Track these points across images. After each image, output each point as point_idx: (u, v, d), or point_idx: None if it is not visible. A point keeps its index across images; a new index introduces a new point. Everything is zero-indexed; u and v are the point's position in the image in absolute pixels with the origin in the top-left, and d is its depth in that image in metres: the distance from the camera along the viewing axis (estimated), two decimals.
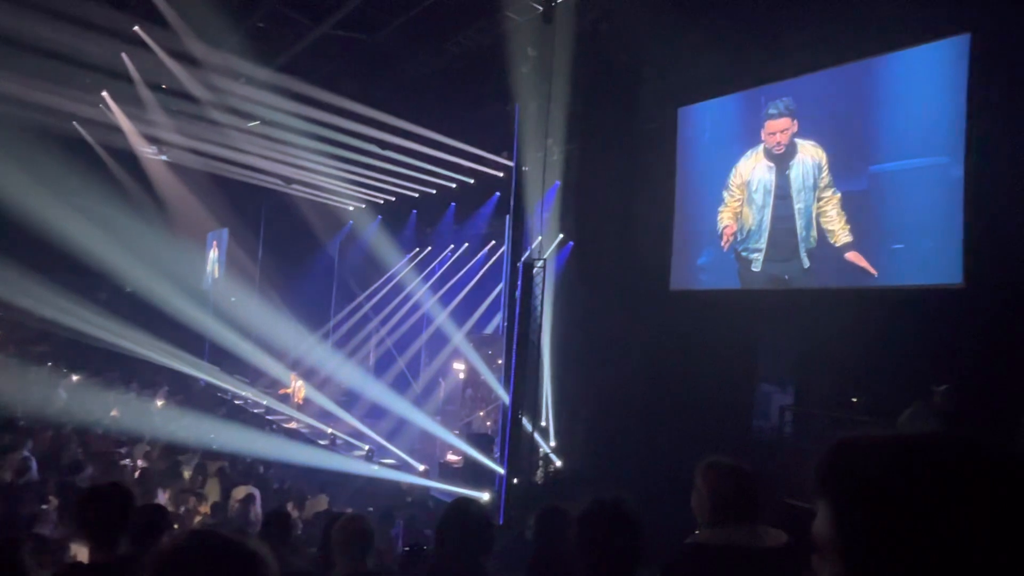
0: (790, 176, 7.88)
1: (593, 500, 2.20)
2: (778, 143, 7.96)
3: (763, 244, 8.14)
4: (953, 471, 0.74)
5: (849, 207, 7.30)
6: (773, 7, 7.57)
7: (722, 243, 8.63)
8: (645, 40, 8.53)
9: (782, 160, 7.98)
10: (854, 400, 7.07)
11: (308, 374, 16.83)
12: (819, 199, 7.57)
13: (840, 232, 7.33)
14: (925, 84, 6.74)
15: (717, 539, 2.18)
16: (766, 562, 2.11)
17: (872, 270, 7.03)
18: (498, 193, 13.56)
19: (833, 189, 7.45)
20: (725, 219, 8.64)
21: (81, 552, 3.53)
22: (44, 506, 5.54)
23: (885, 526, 0.74)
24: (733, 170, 8.50)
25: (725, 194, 8.61)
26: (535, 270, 8.78)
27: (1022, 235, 5.74)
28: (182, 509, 7.22)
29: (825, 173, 7.53)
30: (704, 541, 2.22)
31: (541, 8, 8.21)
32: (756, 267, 8.18)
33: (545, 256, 9.32)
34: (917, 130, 6.78)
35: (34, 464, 7.04)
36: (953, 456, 0.76)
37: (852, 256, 7.20)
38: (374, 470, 10.96)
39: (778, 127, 7.96)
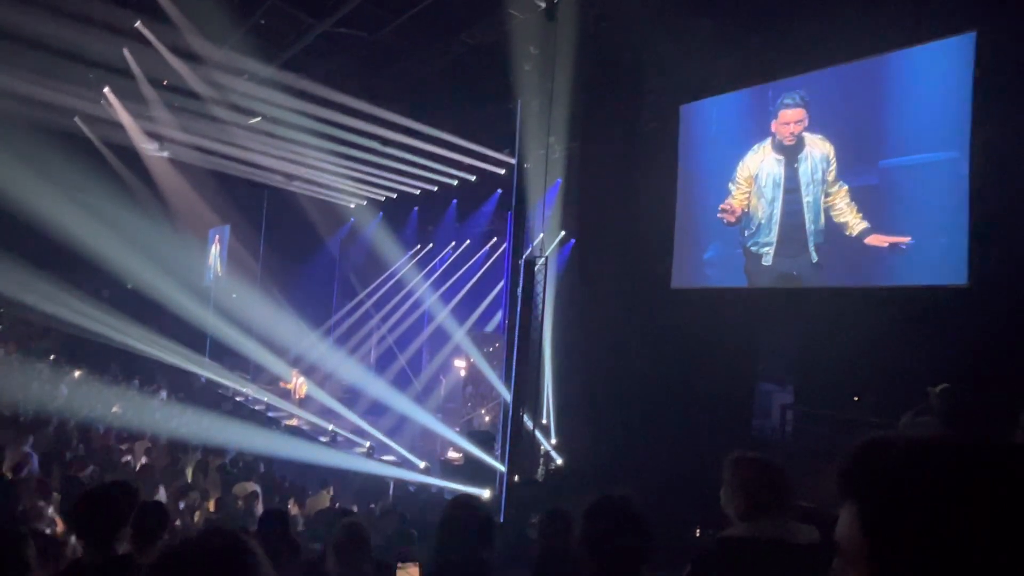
0: (799, 169, 7.87)
1: (600, 497, 2.18)
2: (791, 133, 7.94)
3: (773, 238, 8.13)
4: (984, 475, 0.73)
5: (859, 201, 7.29)
6: (777, 5, 7.55)
7: (725, 222, 8.66)
8: (648, 38, 8.51)
9: (791, 153, 7.97)
10: (855, 399, 7.06)
11: (309, 371, 16.85)
12: (827, 193, 7.56)
13: (854, 222, 7.29)
14: (933, 81, 6.72)
15: (750, 532, 2.16)
16: (800, 558, 2.09)
17: (902, 240, 6.89)
18: (500, 190, 13.56)
19: (840, 183, 7.43)
20: (736, 204, 8.67)
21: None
22: (42, 502, 5.54)
23: (914, 530, 0.73)
24: (740, 163, 8.48)
25: (732, 186, 8.60)
26: (536, 268, 8.77)
27: None
28: (181, 505, 7.23)
29: (832, 167, 7.53)
30: (737, 535, 2.19)
31: (544, 5, 8.19)
32: (767, 261, 8.17)
33: (546, 254, 9.32)
34: (927, 126, 6.77)
35: (35, 460, 7.04)
36: (984, 459, 0.75)
37: (873, 240, 7.14)
38: (374, 467, 10.97)
39: (793, 117, 7.94)
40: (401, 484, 10.32)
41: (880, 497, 0.77)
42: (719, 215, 8.65)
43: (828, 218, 7.58)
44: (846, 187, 7.39)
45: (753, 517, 2.17)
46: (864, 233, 7.23)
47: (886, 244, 7.04)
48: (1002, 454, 0.75)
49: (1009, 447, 0.75)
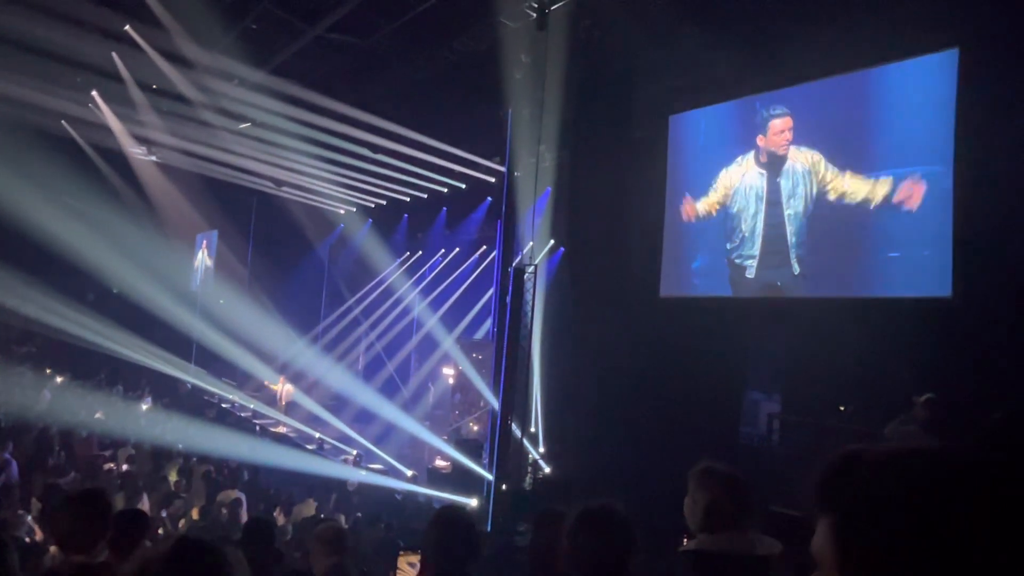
0: (780, 183, 7.94)
1: (583, 507, 2.18)
2: (786, 141, 7.97)
3: (756, 251, 8.19)
4: (956, 487, 0.73)
5: (845, 213, 7.35)
6: (766, 18, 7.64)
7: (684, 217, 8.95)
8: (638, 48, 8.58)
9: (773, 167, 8.04)
10: (841, 408, 7.11)
11: (296, 378, 16.72)
12: (830, 189, 7.46)
13: (874, 190, 7.02)
14: (917, 96, 6.81)
15: (713, 546, 2.16)
16: (762, 571, 2.10)
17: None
18: (490, 198, 13.57)
19: (837, 171, 7.36)
20: (700, 207, 8.80)
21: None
22: (21, 511, 5.45)
23: (889, 542, 0.73)
24: (723, 171, 8.57)
25: (710, 189, 8.72)
26: (526, 276, 8.78)
27: (1009, 247, 5.80)
28: (164, 513, 7.13)
29: (821, 167, 7.56)
30: (700, 547, 2.20)
31: (535, 14, 8.23)
32: (750, 273, 8.23)
33: (536, 262, 9.33)
34: (911, 140, 6.85)
35: (14, 467, 6.94)
36: (956, 471, 0.75)
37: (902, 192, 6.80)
38: (362, 475, 10.89)
39: (784, 126, 8.01)
40: (380, 490, 10.22)
41: (855, 510, 0.77)
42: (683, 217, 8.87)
43: (811, 229, 7.64)
44: (848, 171, 7.28)
45: (717, 530, 2.17)
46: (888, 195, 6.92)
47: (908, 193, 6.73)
48: (978, 466, 0.75)
49: (985, 458, 0.75)
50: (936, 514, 0.71)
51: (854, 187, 7.24)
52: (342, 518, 7.74)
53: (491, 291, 12.93)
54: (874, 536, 0.74)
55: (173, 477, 8.84)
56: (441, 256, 15.98)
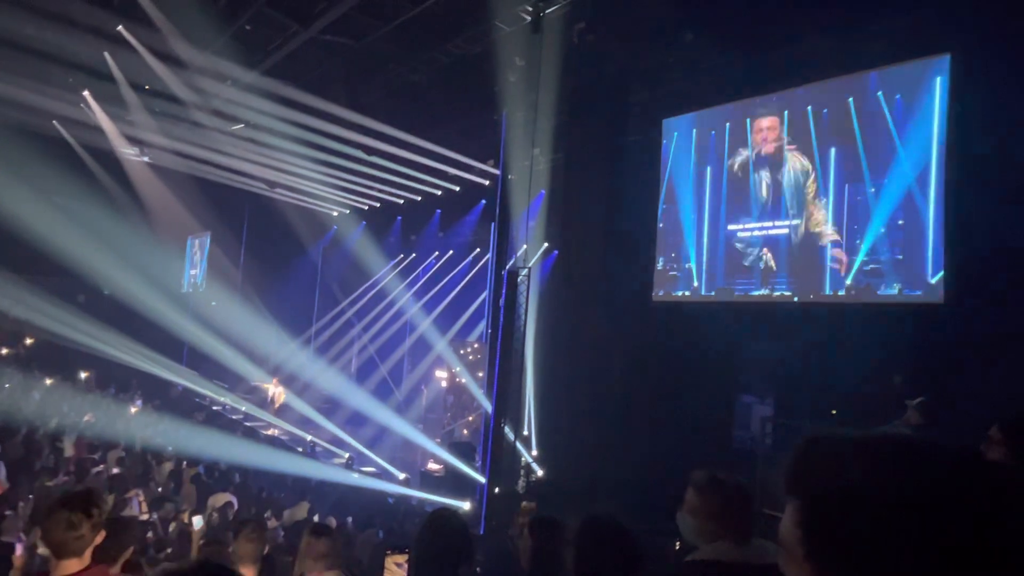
0: (782, 183, 7.98)
1: (588, 517, 2.16)
2: (764, 140, 8.04)
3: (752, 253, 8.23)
4: (920, 475, 0.73)
5: (836, 218, 7.40)
6: (759, 23, 7.67)
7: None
8: (632, 51, 8.60)
9: (773, 167, 8.08)
10: (834, 412, 7.13)
11: (289, 380, 16.65)
12: (807, 207, 7.64)
13: (827, 233, 7.45)
14: (909, 100, 6.87)
15: (727, 555, 2.13)
16: None
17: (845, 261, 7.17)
18: (484, 201, 13.57)
19: (820, 198, 7.55)
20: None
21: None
22: (9, 512, 5.39)
23: (852, 524, 0.73)
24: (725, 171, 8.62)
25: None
26: (519, 278, 8.77)
27: (1001, 253, 5.84)
28: (154, 516, 7.07)
29: (812, 179, 7.63)
30: (704, 558, 2.17)
31: (529, 18, 8.25)
32: (745, 276, 8.27)
33: (530, 265, 9.32)
34: (903, 144, 6.90)
35: (3, 469, 6.87)
36: (922, 457, 0.75)
37: (837, 253, 7.32)
38: (354, 478, 10.84)
39: (764, 124, 8.07)
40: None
41: (822, 494, 0.77)
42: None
43: (805, 233, 7.67)
44: (824, 200, 7.51)
45: (725, 539, 2.15)
46: (833, 245, 7.38)
47: (844, 260, 7.19)
48: (939, 455, 0.75)
49: (945, 448, 0.75)
50: (903, 500, 0.71)
51: (820, 224, 7.39)
52: (333, 521, 7.70)
53: (484, 294, 12.92)
54: (840, 521, 0.74)
55: (164, 478, 8.77)
56: (435, 259, 15.96)
